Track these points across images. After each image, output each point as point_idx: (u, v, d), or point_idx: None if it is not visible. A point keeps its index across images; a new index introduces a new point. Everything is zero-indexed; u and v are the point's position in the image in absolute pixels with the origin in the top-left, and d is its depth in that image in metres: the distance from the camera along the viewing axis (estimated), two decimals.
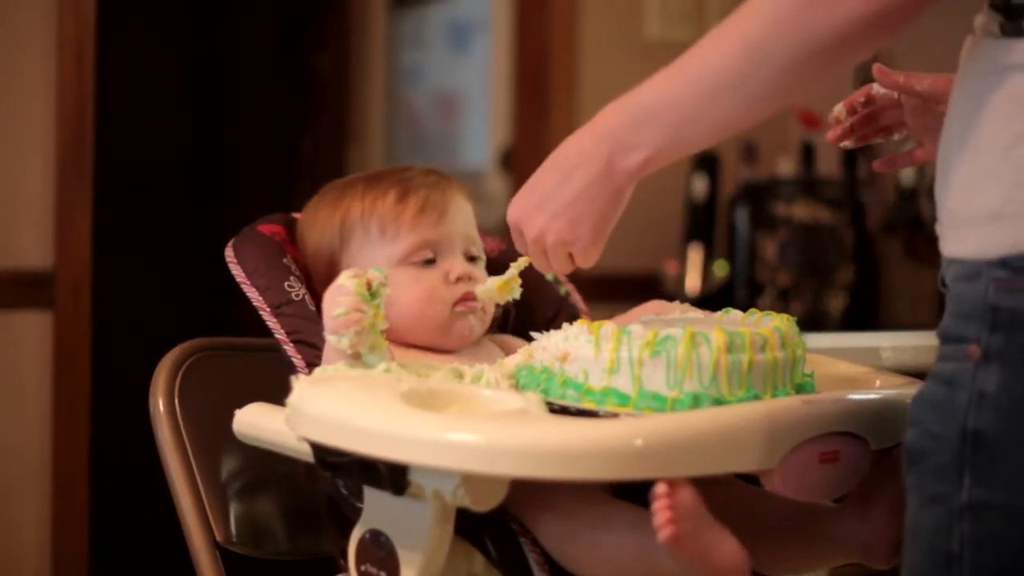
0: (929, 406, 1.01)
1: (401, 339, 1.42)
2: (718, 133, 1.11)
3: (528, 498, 1.23)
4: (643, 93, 1.12)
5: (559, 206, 1.18)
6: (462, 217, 1.47)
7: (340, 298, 1.24)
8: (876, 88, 1.37)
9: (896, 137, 1.40)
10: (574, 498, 1.23)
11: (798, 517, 1.29)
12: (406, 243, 1.43)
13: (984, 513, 0.96)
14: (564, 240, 1.19)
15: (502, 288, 1.39)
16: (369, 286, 1.25)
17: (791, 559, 1.30)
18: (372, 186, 1.47)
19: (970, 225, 1.00)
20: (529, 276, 1.44)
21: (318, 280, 1.47)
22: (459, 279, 1.43)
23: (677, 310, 1.40)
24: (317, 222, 1.49)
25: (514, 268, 1.37)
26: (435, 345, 1.44)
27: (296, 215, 1.56)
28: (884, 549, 1.23)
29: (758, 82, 1.05)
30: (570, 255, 1.22)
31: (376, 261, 1.41)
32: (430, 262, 1.43)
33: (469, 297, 1.43)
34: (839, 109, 1.39)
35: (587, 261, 1.22)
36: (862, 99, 1.38)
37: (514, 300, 1.43)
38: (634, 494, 1.31)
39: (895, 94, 1.36)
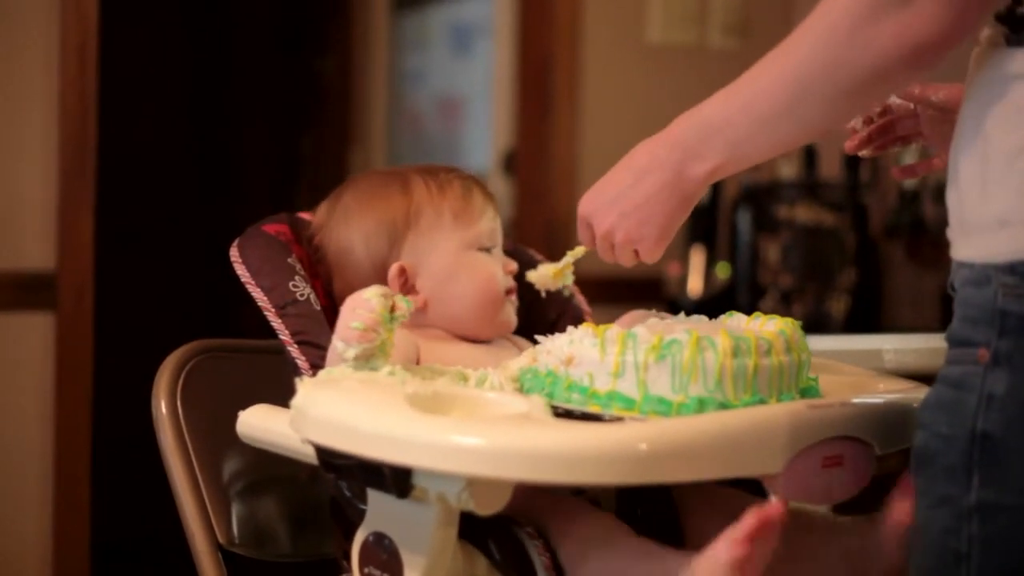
0: (938, 408, 1.02)
1: (449, 322, 1.47)
2: (775, 151, 1.17)
3: (544, 509, 1.25)
4: (708, 108, 1.17)
5: (630, 206, 1.23)
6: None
7: (362, 311, 1.24)
8: (892, 98, 1.38)
9: (914, 146, 1.41)
10: (584, 522, 1.24)
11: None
12: (479, 228, 1.50)
13: (992, 514, 0.98)
14: (632, 238, 1.25)
15: (557, 275, 1.44)
16: (393, 310, 1.25)
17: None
18: (431, 176, 1.52)
19: (978, 231, 1.01)
20: None
21: (341, 275, 1.50)
22: (510, 271, 1.52)
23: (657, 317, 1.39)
24: (369, 210, 1.50)
25: (570, 256, 1.42)
26: (479, 331, 1.48)
27: (303, 215, 1.55)
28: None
29: (803, 111, 1.09)
30: (635, 251, 1.27)
31: (447, 242, 1.48)
32: (487, 251, 1.50)
33: (513, 291, 1.51)
34: (855, 120, 1.40)
35: (651, 258, 1.27)
36: (878, 109, 1.39)
37: (519, 298, 1.47)
38: (638, 497, 1.31)
39: (911, 104, 1.37)
